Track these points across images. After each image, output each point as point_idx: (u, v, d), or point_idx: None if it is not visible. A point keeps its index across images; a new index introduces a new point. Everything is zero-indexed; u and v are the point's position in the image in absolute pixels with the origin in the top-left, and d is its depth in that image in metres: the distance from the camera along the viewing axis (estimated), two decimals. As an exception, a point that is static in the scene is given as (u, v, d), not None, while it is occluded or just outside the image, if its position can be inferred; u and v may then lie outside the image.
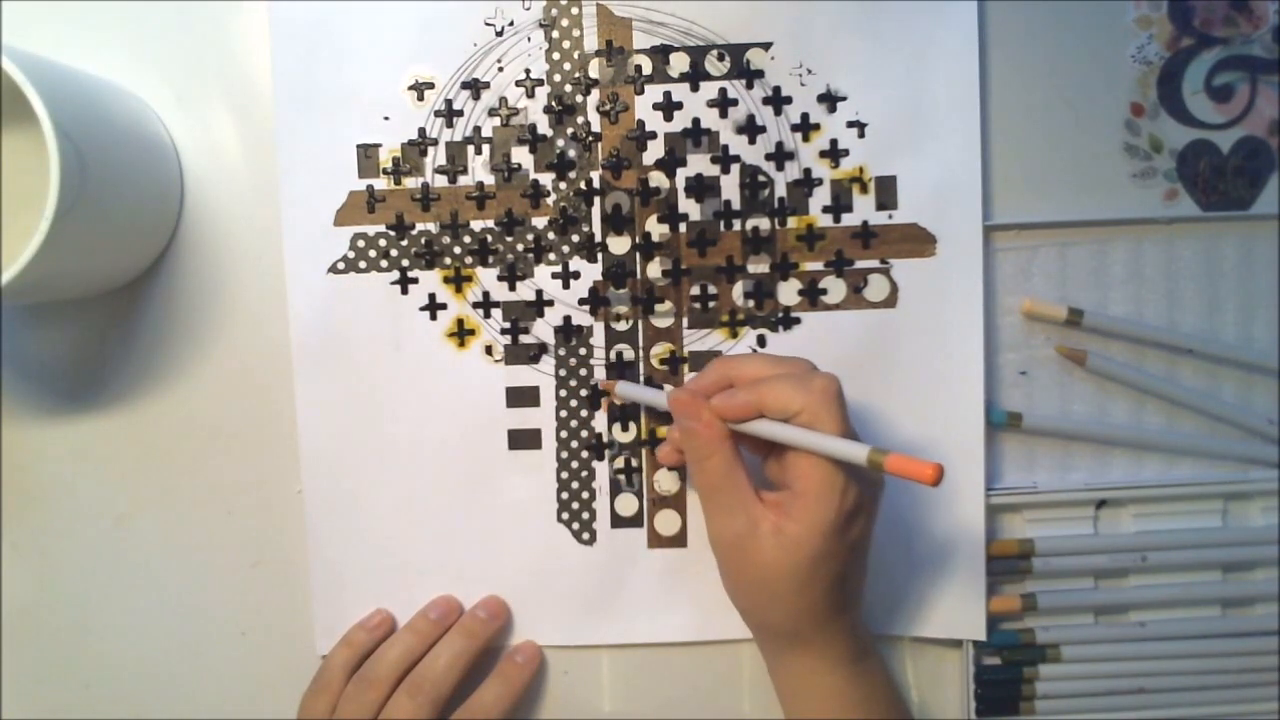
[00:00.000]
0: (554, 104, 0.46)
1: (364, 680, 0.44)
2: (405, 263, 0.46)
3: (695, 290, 0.46)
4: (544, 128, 0.46)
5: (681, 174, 0.46)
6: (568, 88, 0.46)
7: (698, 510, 0.47)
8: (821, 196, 0.46)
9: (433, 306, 0.46)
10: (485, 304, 0.46)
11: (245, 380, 0.47)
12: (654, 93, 0.46)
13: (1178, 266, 0.46)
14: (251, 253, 0.47)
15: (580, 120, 0.46)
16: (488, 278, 0.46)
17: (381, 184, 0.46)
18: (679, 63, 0.46)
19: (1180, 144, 0.46)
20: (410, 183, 0.46)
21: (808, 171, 0.46)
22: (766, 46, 0.45)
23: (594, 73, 0.46)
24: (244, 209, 0.47)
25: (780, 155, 0.46)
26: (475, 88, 0.46)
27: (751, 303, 0.46)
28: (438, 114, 0.46)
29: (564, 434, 0.47)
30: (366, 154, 0.46)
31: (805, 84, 0.46)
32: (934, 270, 0.46)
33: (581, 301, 0.46)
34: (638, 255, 0.46)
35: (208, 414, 0.47)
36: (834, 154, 0.46)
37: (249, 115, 0.47)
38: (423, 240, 0.46)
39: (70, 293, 0.46)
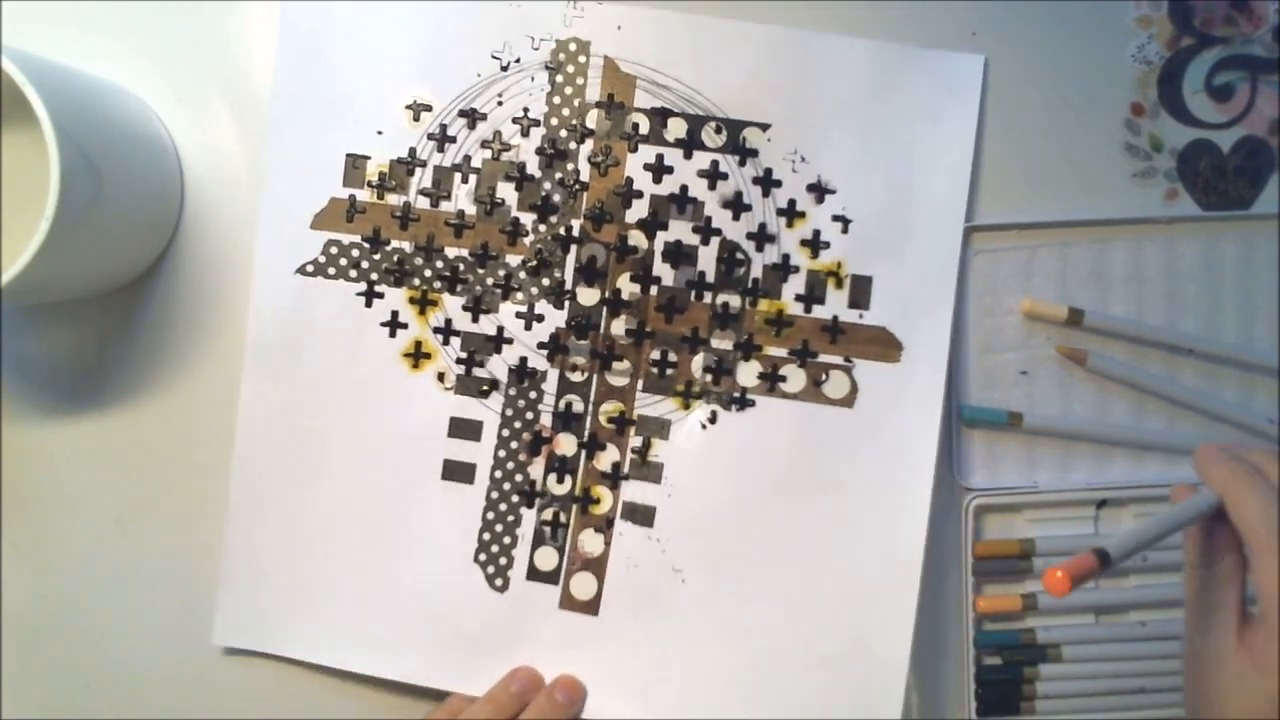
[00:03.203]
0: (547, 146, 0.46)
1: None
2: (374, 276, 0.46)
3: (655, 355, 0.46)
4: (533, 168, 0.46)
5: (661, 237, 0.46)
6: (563, 133, 0.46)
7: (615, 579, 0.46)
8: (796, 284, 0.46)
9: (394, 324, 0.46)
10: (446, 331, 0.46)
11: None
12: (647, 153, 0.46)
13: (1178, 266, 0.46)
14: (251, 253, 0.47)
15: (570, 167, 0.46)
16: (453, 305, 0.46)
17: (364, 195, 0.46)
18: (676, 128, 0.46)
19: (1180, 143, 0.46)
20: (393, 199, 0.46)
21: (786, 257, 0.46)
22: (765, 127, 0.45)
23: (591, 123, 0.46)
24: (244, 209, 0.47)
25: (762, 236, 0.46)
26: (472, 117, 0.46)
27: (709, 377, 0.46)
28: (431, 137, 0.46)
29: (498, 474, 0.46)
30: (354, 164, 0.46)
31: (797, 170, 0.45)
32: (896, 377, 0.45)
33: (541, 345, 0.46)
34: (605, 310, 0.46)
35: (208, 414, 0.47)
36: (815, 244, 0.45)
37: (249, 115, 0.47)
38: (395, 258, 0.46)
39: (70, 293, 0.46)
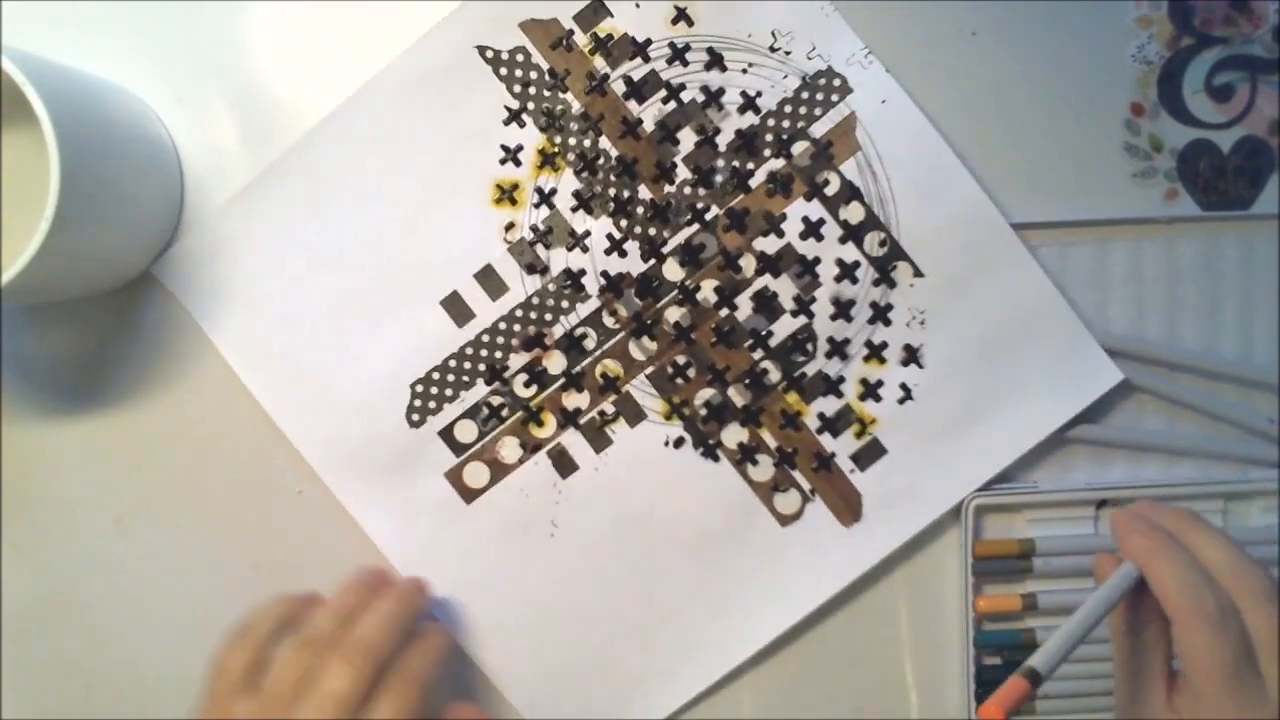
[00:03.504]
0: (748, 136, 0.45)
1: (303, 643, 0.41)
2: (531, 106, 0.46)
3: (680, 360, 0.46)
4: (722, 142, 0.45)
5: (766, 280, 0.46)
6: (768, 137, 0.45)
7: (503, 490, 0.46)
8: (828, 406, 0.46)
9: (511, 155, 0.46)
10: (544, 197, 0.46)
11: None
12: (815, 210, 0.45)
13: (1178, 266, 0.46)
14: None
15: (749, 167, 0.45)
16: (568, 183, 0.46)
17: (581, 40, 0.45)
18: (853, 213, 0.45)
19: (1180, 143, 0.46)
20: (599, 63, 0.45)
21: (840, 380, 0.46)
22: (919, 274, 0.45)
23: (795, 150, 0.45)
24: (244, 209, 0.47)
25: (838, 349, 0.46)
26: (715, 63, 0.45)
27: (704, 411, 0.46)
28: (672, 46, 0.45)
29: (485, 338, 0.46)
30: (597, 10, 0.45)
31: (910, 326, 0.45)
32: (834, 537, 0.46)
33: (604, 274, 0.46)
34: (675, 293, 0.46)
35: (207, 414, 0.47)
36: (870, 391, 0.46)
37: (249, 115, 0.47)
38: (559, 107, 0.45)
39: (70, 293, 0.46)
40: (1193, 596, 0.34)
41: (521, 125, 0.46)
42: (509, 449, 0.46)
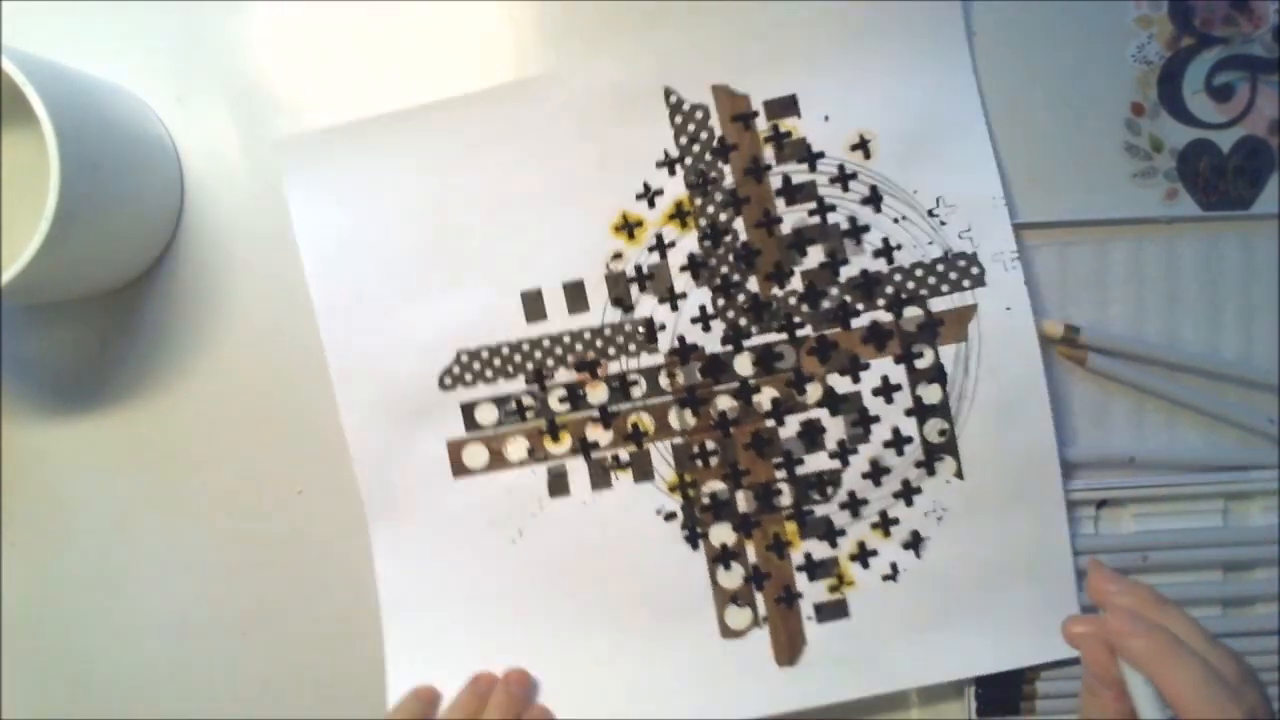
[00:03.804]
0: (872, 278, 0.45)
1: None
2: (688, 161, 0.46)
3: (709, 444, 0.46)
4: (845, 275, 0.45)
5: (820, 413, 0.46)
6: (889, 289, 0.45)
7: (491, 482, 0.46)
8: (819, 550, 0.46)
9: (649, 196, 0.46)
10: (661, 246, 0.46)
11: (245, 380, 0.47)
12: (898, 372, 0.46)
13: (1178, 266, 0.46)
14: (251, 253, 0.47)
15: (858, 307, 0.45)
16: (688, 244, 0.46)
17: (761, 124, 0.45)
18: (932, 394, 0.45)
19: (1180, 143, 0.46)
20: (768, 151, 0.45)
21: (841, 532, 0.46)
22: (960, 475, 0.45)
23: (907, 313, 0.45)
24: (244, 209, 0.47)
25: (854, 504, 0.46)
26: (876, 201, 0.45)
27: (706, 500, 0.46)
28: (841, 168, 0.45)
29: (545, 343, 0.46)
30: (787, 105, 0.45)
31: (928, 516, 0.46)
32: (765, 672, 0.46)
33: (680, 339, 0.46)
34: (734, 385, 0.46)
35: (208, 414, 0.47)
36: (862, 555, 0.46)
37: (249, 115, 0.47)
38: (713, 174, 0.46)
39: (70, 293, 0.46)
40: (1217, 704, 0.33)
41: (672, 173, 0.46)
42: (516, 448, 0.46)
